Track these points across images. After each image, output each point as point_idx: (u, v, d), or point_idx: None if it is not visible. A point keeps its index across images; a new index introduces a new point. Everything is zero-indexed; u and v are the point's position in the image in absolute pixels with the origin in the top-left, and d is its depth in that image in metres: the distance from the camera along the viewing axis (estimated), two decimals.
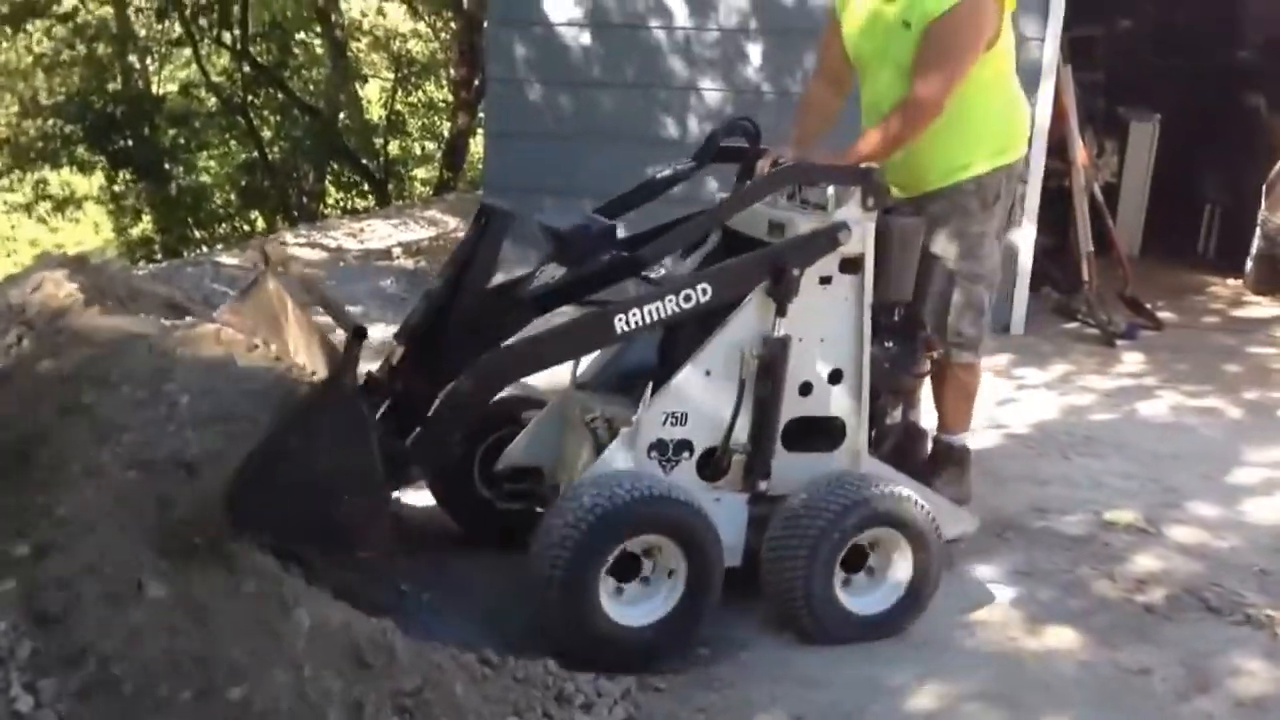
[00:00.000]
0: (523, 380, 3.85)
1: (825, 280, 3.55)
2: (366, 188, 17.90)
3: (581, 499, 3.21)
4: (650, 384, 3.46)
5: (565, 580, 3.17)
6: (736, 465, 3.55)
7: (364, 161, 17.82)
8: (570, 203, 7.26)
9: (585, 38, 7.26)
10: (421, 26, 19.49)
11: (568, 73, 7.31)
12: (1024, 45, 6.70)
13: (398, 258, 8.68)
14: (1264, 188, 7.99)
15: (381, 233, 9.98)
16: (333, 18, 17.71)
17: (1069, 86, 7.06)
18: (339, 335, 3.48)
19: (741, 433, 3.52)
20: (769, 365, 3.48)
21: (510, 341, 3.48)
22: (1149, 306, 7.40)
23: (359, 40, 19.38)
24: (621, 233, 3.73)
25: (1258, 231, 8.04)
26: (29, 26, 16.58)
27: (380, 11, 19.44)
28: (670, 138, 7.23)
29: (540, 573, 3.19)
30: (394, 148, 19.06)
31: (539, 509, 3.65)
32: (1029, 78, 6.68)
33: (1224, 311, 8.00)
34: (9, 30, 16.38)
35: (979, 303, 4.12)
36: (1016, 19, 4.12)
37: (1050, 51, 6.71)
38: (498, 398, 3.95)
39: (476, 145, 18.07)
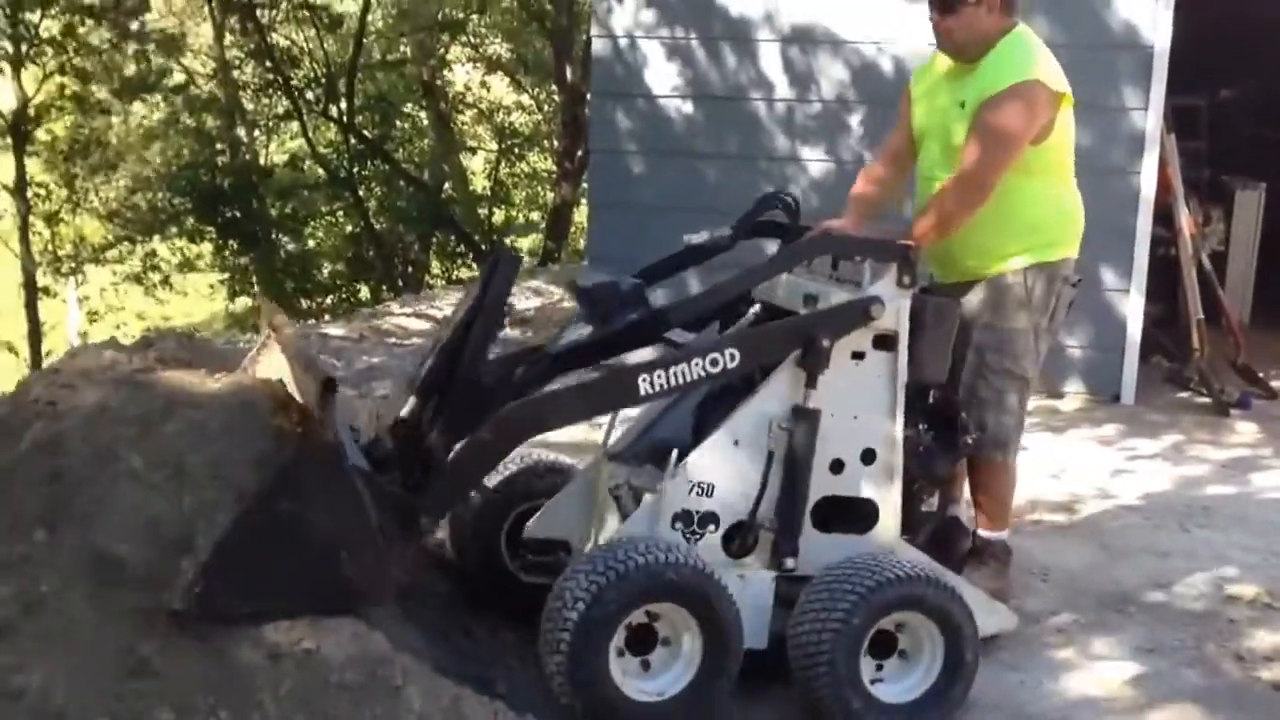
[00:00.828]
0: (555, 454, 3.85)
1: (858, 356, 3.46)
2: (471, 258, 18.20)
3: (583, 571, 3.09)
4: (676, 452, 3.36)
5: (572, 653, 3.03)
6: (764, 542, 3.42)
7: (468, 232, 18.13)
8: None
9: (688, 109, 7.36)
10: (524, 99, 19.89)
11: (670, 143, 7.40)
12: (1126, 115, 6.73)
13: (504, 327, 8.81)
14: None
15: None
16: (437, 91, 18.14)
17: (1173, 156, 7.03)
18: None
19: (769, 508, 3.41)
20: (798, 438, 3.37)
21: (526, 398, 3.34)
22: (1262, 375, 7.26)
23: (463, 113, 19.82)
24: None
25: None
26: (140, 101, 17.18)
27: (484, 85, 19.86)
28: None
29: (548, 647, 3.07)
30: (498, 218, 19.39)
31: None
32: (1132, 147, 6.71)
33: None
34: (120, 105, 16.97)
35: (1009, 403, 4.00)
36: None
37: (1153, 121, 6.68)
38: (527, 467, 3.91)
39: (580, 215, 18.34)
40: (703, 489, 3.36)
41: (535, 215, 20.22)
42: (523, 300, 10.17)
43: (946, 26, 3.93)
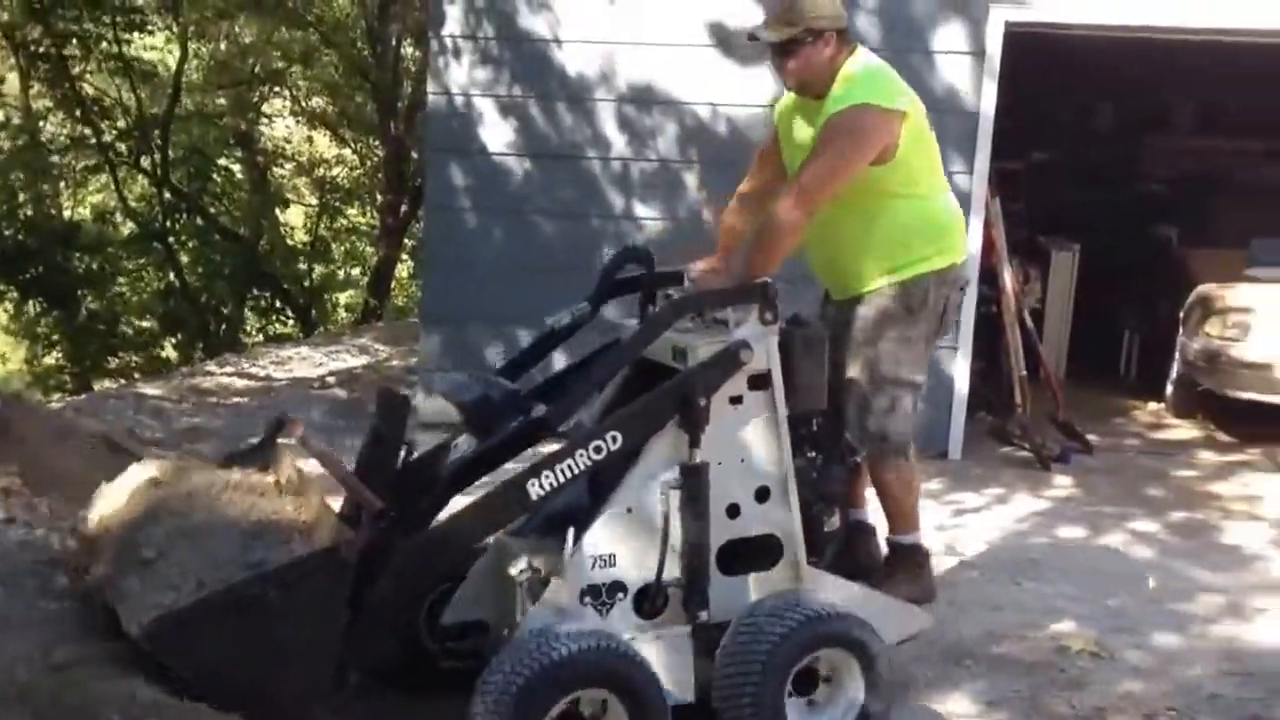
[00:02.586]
0: None
1: (736, 400, 3.51)
2: (289, 314, 17.79)
3: (503, 669, 3.13)
4: (571, 530, 3.38)
5: None
6: (674, 599, 3.48)
7: (286, 287, 17.73)
8: (509, 331, 7.30)
9: (524, 166, 7.31)
10: (347, 153, 19.60)
11: (507, 201, 7.33)
12: (951, 179, 6.89)
13: (331, 386, 8.59)
14: (1181, 315, 8.24)
15: (312, 361, 9.90)
16: (254, 144, 17.74)
17: (998, 218, 7.27)
18: None
19: (673, 566, 3.45)
20: (689, 495, 3.43)
21: (425, 532, 3.36)
22: (1079, 430, 7.53)
23: (282, 166, 19.42)
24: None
25: (1176, 357, 8.27)
26: None
27: (309, 139, 19.51)
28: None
29: None
30: (317, 273, 19.01)
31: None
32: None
33: (1146, 434, 8.22)
34: None
35: (902, 407, 4.20)
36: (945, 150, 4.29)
37: (979, 185, 6.91)
38: None
39: (401, 271, 18.10)
40: (605, 560, 3.40)
41: (356, 271, 19.88)
42: (350, 359, 9.97)
43: (788, 68, 4.10)
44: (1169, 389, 8.57)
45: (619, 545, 3.41)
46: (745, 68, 7.05)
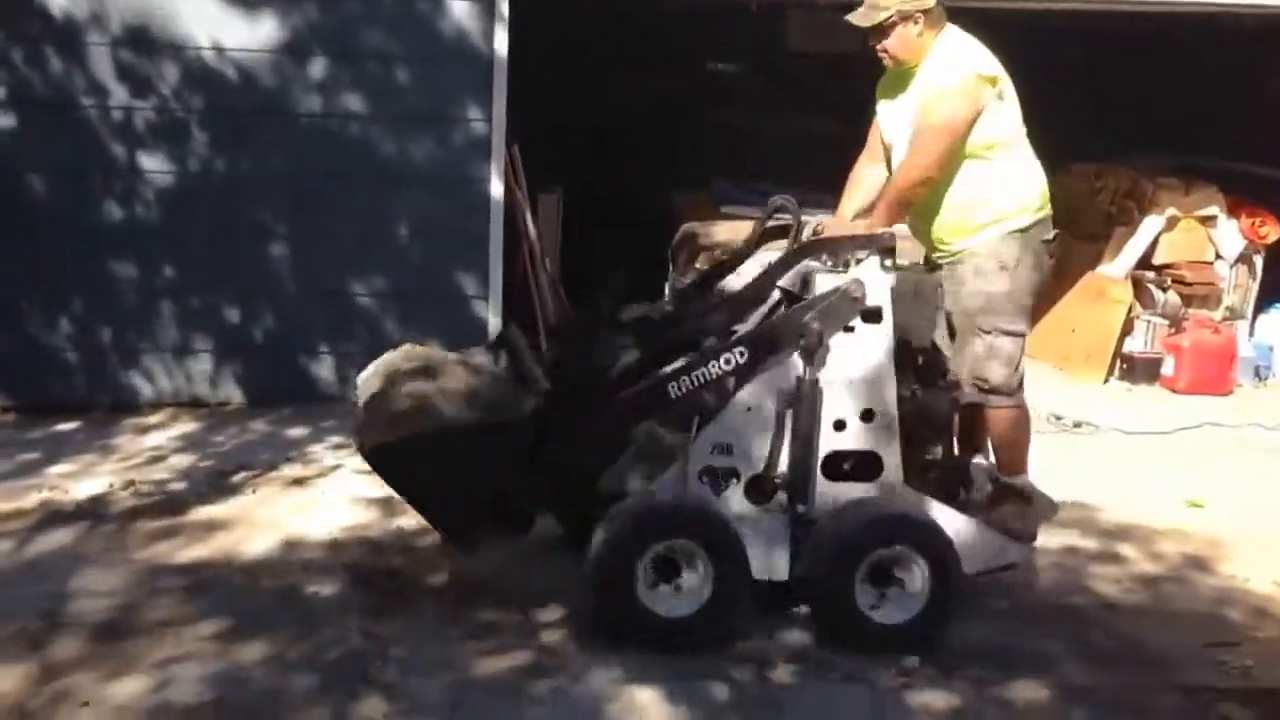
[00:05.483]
0: None
1: (849, 329, 4.14)
2: None
3: (619, 515, 4.00)
4: (696, 419, 4.08)
5: (608, 572, 3.95)
6: (781, 491, 4.14)
7: None
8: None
9: (6, 117, 6.58)
10: None
11: None
12: (469, 125, 6.98)
13: None
14: (669, 252, 8.77)
15: None
16: None
17: (517, 163, 7.41)
18: None
19: (782, 463, 4.11)
20: (801, 405, 4.08)
21: (592, 415, 4.17)
22: None
23: None
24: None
25: (667, 292, 8.78)
26: None
27: None
28: (115, 223, 6.73)
29: (592, 563, 3.97)
30: None
31: None
32: (477, 155, 6.99)
33: None
34: None
35: (1003, 353, 4.63)
36: None
37: (498, 131, 7.02)
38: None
39: None
40: (722, 449, 4.13)
41: None
42: None
43: (882, 48, 4.69)
44: None
45: (736, 438, 4.11)
46: (249, 9, 6.72)
